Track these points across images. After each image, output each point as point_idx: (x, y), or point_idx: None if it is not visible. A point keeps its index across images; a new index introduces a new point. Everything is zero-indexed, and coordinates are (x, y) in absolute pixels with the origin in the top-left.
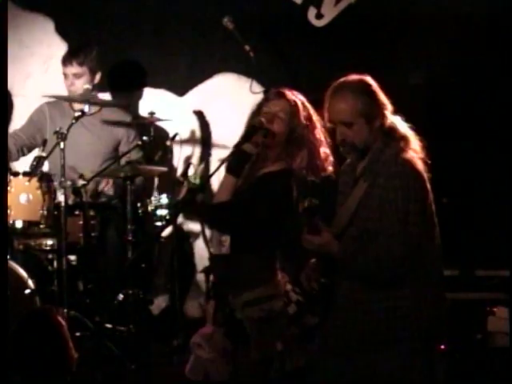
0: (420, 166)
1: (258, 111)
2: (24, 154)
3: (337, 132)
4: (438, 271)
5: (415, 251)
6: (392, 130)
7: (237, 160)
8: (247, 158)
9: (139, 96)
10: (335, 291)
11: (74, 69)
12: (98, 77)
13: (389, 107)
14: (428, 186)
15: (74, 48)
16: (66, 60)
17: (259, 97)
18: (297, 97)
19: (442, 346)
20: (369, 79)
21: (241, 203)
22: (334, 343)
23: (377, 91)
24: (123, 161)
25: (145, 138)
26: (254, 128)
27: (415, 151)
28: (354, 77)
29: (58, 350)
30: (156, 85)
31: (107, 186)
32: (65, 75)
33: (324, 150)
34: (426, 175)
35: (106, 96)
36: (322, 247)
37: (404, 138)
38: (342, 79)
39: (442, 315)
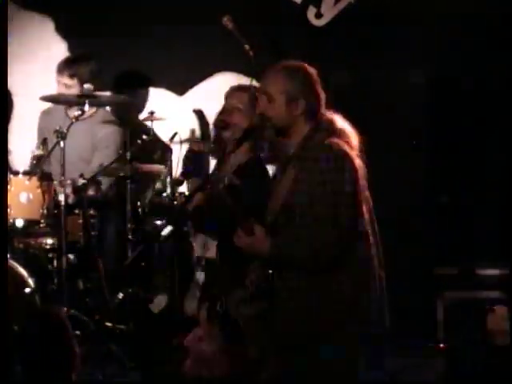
0: (349, 150)
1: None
2: None
3: (258, 104)
4: (376, 254)
5: (349, 234)
6: (329, 124)
7: (188, 162)
8: (197, 157)
9: (144, 96)
10: (275, 283)
11: (65, 79)
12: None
13: (323, 98)
14: (360, 172)
15: (70, 57)
16: (60, 68)
17: None
18: (254, 88)
19: (442, 345)
20: (308, 67)
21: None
22: (280, 337)
23: (312, 79)
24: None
25: (144, 136)
26: (250, 130)
27: (349, 144)
28: (294, 61)
29: (64, 348)
30: (156, 84)
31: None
32: (57, 82)
33: None
34: (358, 163)
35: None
36: (252, 246)
37: (339, 131)
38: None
39: (382, 297)
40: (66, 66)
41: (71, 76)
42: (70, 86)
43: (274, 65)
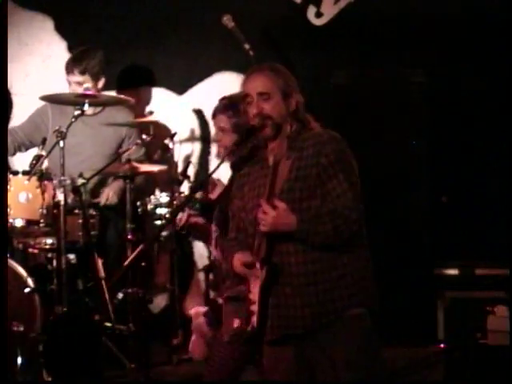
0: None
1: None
2: (21, 151)
3: (253, 106)
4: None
5: (360, 210)
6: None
7: None
8: None
9: (147, 95)
10: (279, 270)
11: (76, 77)
12: (101, 82)
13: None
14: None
15: (76, 54)
16: (69, 68)
17: None
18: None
19: (442, 345)
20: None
21: None
22: (282, 327)
23: (293, 77)
24: (123, 159)
25: (144, 136)
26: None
27: None
28: (272, 63)
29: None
30: (155, 83)
31: (109, 199)
32: (68, 82)
33: None
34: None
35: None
36: (279, 218)
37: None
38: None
39: (372, 279)
40: (74, 64)
41: (82, 72)
42: (83, 83)
43: (253, 68)
